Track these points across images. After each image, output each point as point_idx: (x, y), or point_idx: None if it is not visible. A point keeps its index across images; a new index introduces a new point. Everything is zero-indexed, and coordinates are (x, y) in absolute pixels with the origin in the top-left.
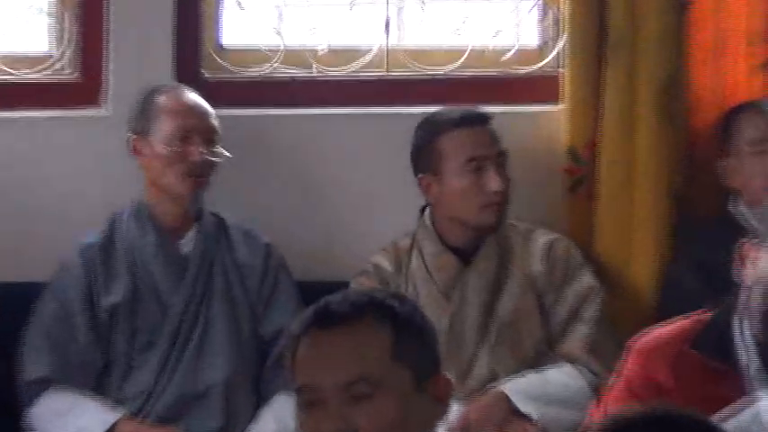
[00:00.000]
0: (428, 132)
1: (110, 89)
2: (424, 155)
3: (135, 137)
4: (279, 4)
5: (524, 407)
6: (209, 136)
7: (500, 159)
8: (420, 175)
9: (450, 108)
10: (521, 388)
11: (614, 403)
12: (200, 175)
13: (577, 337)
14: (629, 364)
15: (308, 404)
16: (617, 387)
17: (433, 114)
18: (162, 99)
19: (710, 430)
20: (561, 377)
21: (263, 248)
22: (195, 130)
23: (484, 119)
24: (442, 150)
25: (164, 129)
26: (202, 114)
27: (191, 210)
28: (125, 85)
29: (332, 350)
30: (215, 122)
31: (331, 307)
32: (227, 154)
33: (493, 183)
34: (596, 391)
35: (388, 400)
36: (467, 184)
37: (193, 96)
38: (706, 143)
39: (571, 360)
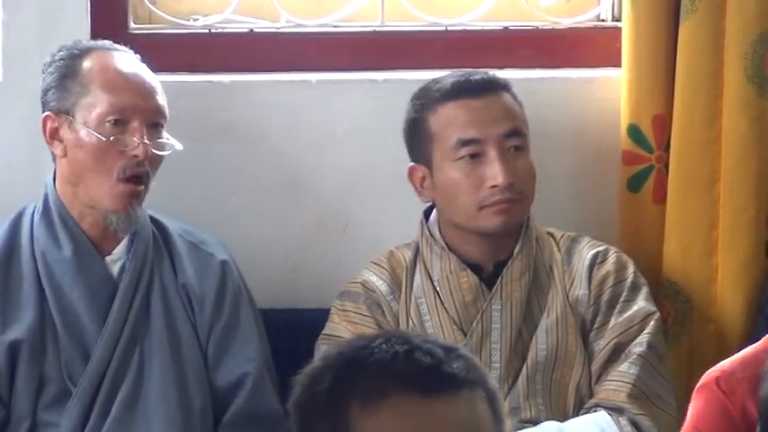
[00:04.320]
0: (418, 106)
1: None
2: (415, 137)
3: (50, 116)
4: None
5: None
6: (153, 118)
7: (510, 141)
8: (411, 165)
9: (453, 73)
10: None
11: None
12: (139, 177)
13: (620, 378)
14: (699, 401)
15: None
16: None
17: (429, 83)
18: (87, 66)
19: None
20: (588, 428)
21: (218, 267)
22: (135, 110)
23: (488, 86)
24: (432, 131)
25: (91, 107)
26: (145, 89)
27: (121, 230)
28: (25, 43)
29: (447, 423)
30: (161, 100)
31: (443, 367)
32: (178, 145)
33: (492, 174)
34: None
35: None
36: (459, 176)
37: (132, 63)
38: None
39: (608, 407)
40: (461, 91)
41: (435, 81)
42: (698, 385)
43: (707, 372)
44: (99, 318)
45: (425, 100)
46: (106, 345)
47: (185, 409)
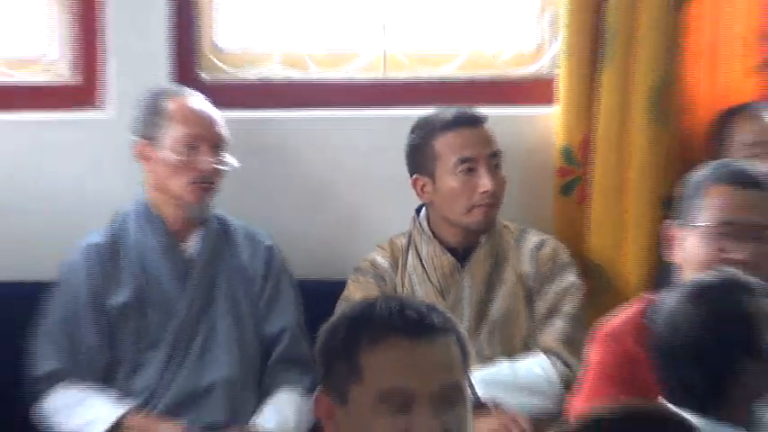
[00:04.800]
0: (422, 134)
1: (109, 91)
2: (419, 156)
3: (141, 141)
4: (276, 5)
5: (485, 393)
6: (217, 144)
7: (493, 160)
8: (415, 176)
9: (445, 109)
10: (488, 376)
11: (592, 391)
12: (208, 183)
13: (554, 330)
14: (598, 349)
15: (397, 407)
16: (591, 374)
17: (428, 116)
18: (169, 105)
19: (677, 423)
20: (532, 366)
21: (266, 251)
22: (203, 138)
23: (477, 120)
24: (436, 152)
25: (171, 136)
26: (211, 122)
27: (197, 216)
28: (125, 87)
29: (429, 358)
30: (223, 130)
31: (426, 320)
32: (236, 163)
33: (483, 183)
34: (568, 382)
35: (466, 407)
36: (458, 185)
37: (201, 102)
38: (699, 145)
39: (546, 351)
40: (459, 122)
41: (435, 114)
42: (595, 337)
43: (600, 327)
44: (179, 288)
45: (429, 129)
46: (185, 308)
47: (243, 354)
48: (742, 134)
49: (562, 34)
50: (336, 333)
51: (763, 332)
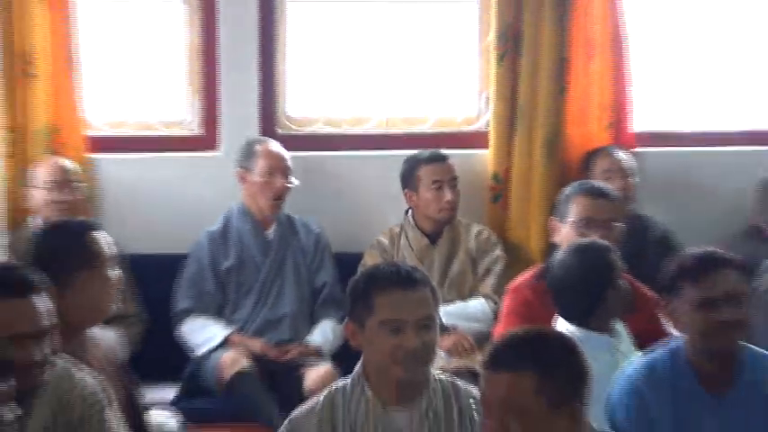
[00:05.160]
0: (410, 165)
1: (222, 140)
2: (408, 178)
3: (241, 170)
4: (321, 90)
5: (447, 321)
6: (285, 171)
7: (453, 182)
8: (405, 190)
9: (424, 150)
10: (449, 310)
11: (506, 322)
12: (280, 197)
13: (488, 284)
14: (509, 297)
15: (394, 330)
16: (505, 312)
17: (413, 154)
18: (258, 148)
19: (557, 334)
20: (476, 305)
21: (315, 235)
22: (277, 168)
23: (443, 157)
24: (419, 176)
25: (259, 166)
26: (283, 158)
27: (273, 215)
28: (231, 136)
29: (414, 300)
30: (289, 163)
31: (412, 276)
32: (297, 182)
33: (446, 196)
34: (495, 315)
35: (436, 330)
36: (432, 197)
37: (276, 146)
38: (574, 173)
39: (484, 296)
40: (433, 159)
41: (418, 153)
42: (508, 289)
43: (512, 283)
44: (263, 257)
45: (415, 162)
46: (266, 269)
47: (301, 298)
48: (599, 166)
49: (492, 107)
50: (358, 284)
51: (618, 272)
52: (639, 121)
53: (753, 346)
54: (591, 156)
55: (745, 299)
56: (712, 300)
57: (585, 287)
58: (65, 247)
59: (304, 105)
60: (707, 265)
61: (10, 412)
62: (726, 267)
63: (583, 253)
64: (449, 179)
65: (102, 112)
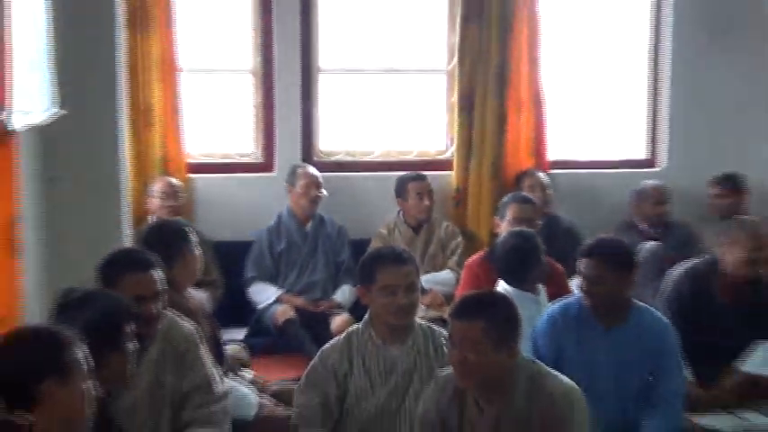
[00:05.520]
0: (401, 181)
1: (276, 164)
2: (400, 190)
3: (288, 185)
4: (342, 129)
5: (425, 285)
6: (318, 186)
7: (430, 193)
8: (398, 199)
9: (410, 172)
10: (426, 278)
11: (463, 287)
12: (314, 203)
13: (453, 261)
14: (465, 271)
15: (390, 292)
16: (462, 281)
17: (403, 174)
18: (299, 170)
19: (503, 299)
20: (445, 275)
21: (338, 228)
22: (311, 184)
23: (423, 177)
24: (407, 189)
25: (300, 183)
26: (316, 177)
27: (310, 215)
28: (282, 162)
29: (404, 272)
30: (321, 180)
31: (402, 255)
32: (326, 193)
33: (425, 202)
34: (457, 282)
35: (419, 292)
36: (415, 203)
37: (313, 169)
38: (510, 188)
39: (450, 269)
40: (416, 178)
41: (405, 175)
42: (465, 265)
43: (468, 261)
44: (303, 244)
45: (403, 181)
46: (305, 251)
47: (328, 269)
48: (526, 183)
49: (455, 143)
50: (366, 261)
51: (539, 252)
52: (553, 152)
53: (639, 302)
54: (520, 176)
55: (608, 273)
56: (586, 274)
57: (519, 260)
58: (170, 237)
59: (331, 142)
60: (592, 250)
61: (132, 347)
62: (596, 254)
63: (517, 238)
64: (427, 191)
65: (197, 146)
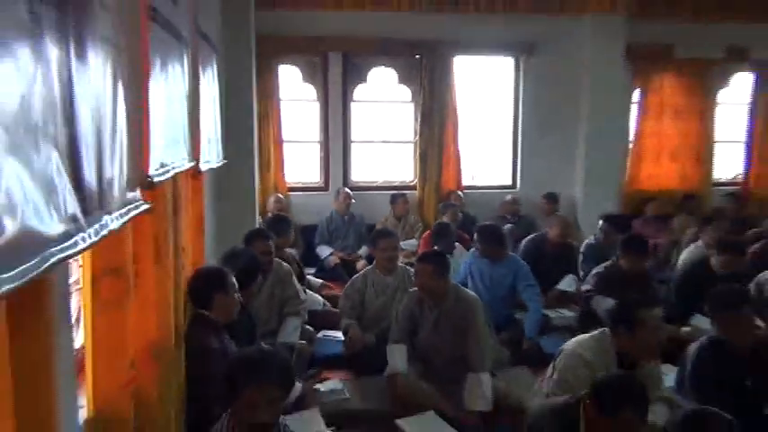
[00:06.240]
0: (392, 196)
1: (330, 187)
2: (392, 201)
3: (334, 198)
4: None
5: (403, 247)
6: (350, 197)
7: (406, 204)
8: (391, 205)
9: (396, 192)
10: (402, 244)
11: (422, 248)
12: (348, 206)
13: (416, 234)
14: (423, 240)
15: (388, 254)
16: (421, 245)
17: (393, 193)
18: (341, 190)
19: (441, 254)
20: (412, 241)
21: (358, 216)
22: (347, 196)
23: (403, 195)
24: (395, 199)
25: (340, 196)
26: (348, 193)
27: (346, 212)
28: (333, 186)
29: (394, 245)
30: (351, 194)
31: (392, 234)
32: (354, 201)
33: (404, 206)
34: (418, 246)
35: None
36: (398, 207)
37: (346, 189)
38: (443, 200)
39: (415, 239)
40: (398, 196)
41: (395, 193)
42: (422, 238)
43: (423, 235)
44: (343, 226)
45: (393, 196)
46: (344, 231)
47: (355, 240)
48: (451, 197)
49: (418, 175)
50: (373, 235)
51: (454, 232)
52: (465, 180)
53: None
54: (448, 193)
55: (485, 239)
56: (478, 240)
57: (444, 235)
58: (276, 225)
59: (357, 175)
60: (481, 227)
61: (256, 279)
62: (480, 228)
63: (446, 227)
64: (404, 201)
65: (290, 176)
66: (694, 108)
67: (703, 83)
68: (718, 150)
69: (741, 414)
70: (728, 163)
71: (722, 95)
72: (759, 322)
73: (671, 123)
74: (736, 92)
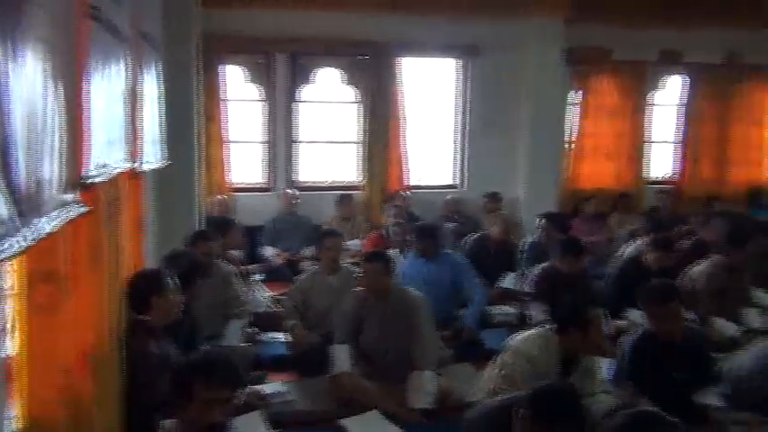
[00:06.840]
0: (340, 197)
1: (275, 187)
2: (339, 201)
3: (282, 197)
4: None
5: (350, 246)
6: (296, 198)
7: (352, 204)
8: (339, 205)
9: (345, 193)
10: (350, 243)
11: (368, 247)
12: (294, 206)
13: (361, 235)
14: (369, 239)
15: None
16: (367, 244)
17: (341, 194)
18: (287, 191)
19: (386, 254)
20: (357, 241)
21: (306, 219)
22: (292, 197)
23: (351, 197)
24: (342, 200)
25: (287, 196)
26: (294, 194)
27: (292, 212)
28: (278, 186)
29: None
30: (297, 194)
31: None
32: (300, 201)
33: (347, 209)
34: (363, 245)
35: None
36: (345, 207)
37: (293, 190)
38: (387, 201)
39: (360, 239)
40: (345, 197)
41: (342, 194)
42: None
43: (369, 235)
44: (289, 225)
45: (340, 197)
46: (291, 230)
47: (302, 237)
48: (396, 198)
49: (366, 177)
50: (319, 235)
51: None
52: (413, 178)
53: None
54: (393, 195)
55: (423, 239)
56: (416, 239)
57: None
58: (220, 226)
59: (304, 175)
60: (420, 227)
61: (200, 280)
62: (419, 227)
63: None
64: (350, 202)
65: (236, 174)
66: (629, 109)
67: (638, 85)
68: (651, 150)
69: (673, 402)
70: (661, 162)
71: (656, 97)
72: (688, 315)
73: (607, 124)
74: (670, 94)
